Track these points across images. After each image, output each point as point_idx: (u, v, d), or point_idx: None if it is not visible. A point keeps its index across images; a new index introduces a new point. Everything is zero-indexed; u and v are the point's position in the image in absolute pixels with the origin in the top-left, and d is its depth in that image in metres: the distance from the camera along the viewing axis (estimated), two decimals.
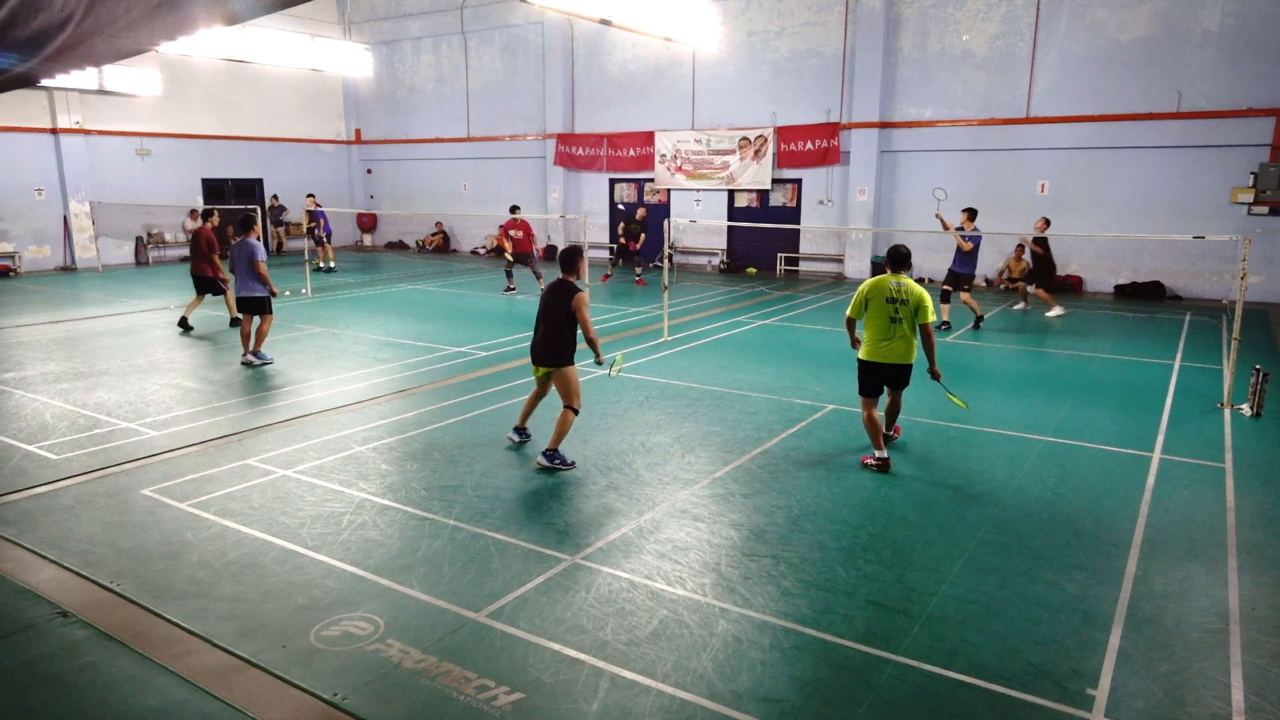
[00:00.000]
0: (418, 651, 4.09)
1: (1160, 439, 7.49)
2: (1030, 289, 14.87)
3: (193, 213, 23.39)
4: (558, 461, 6.64)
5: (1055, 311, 13.97)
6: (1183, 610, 4.52)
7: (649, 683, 3.85)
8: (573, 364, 6.71)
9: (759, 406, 8.46)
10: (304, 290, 16.50)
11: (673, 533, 5.48)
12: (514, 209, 16.57)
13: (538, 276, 16.61)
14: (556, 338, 6.62)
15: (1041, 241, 13.82)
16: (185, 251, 23.41)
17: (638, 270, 18.55)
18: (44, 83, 10.30)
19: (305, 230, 20.54)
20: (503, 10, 23.13)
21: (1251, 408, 8.23)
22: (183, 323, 12.72)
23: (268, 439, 7.42)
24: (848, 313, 6.81)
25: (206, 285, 12.66)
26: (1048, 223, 14.05)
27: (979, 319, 13.03)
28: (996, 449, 7.21)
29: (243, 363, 10.26)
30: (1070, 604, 4.57)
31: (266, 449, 7.13)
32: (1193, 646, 4.17)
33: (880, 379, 6.70)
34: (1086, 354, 11.15)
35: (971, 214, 12.78)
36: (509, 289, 17.01)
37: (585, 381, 9.40)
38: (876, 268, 14.76)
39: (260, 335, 10.37)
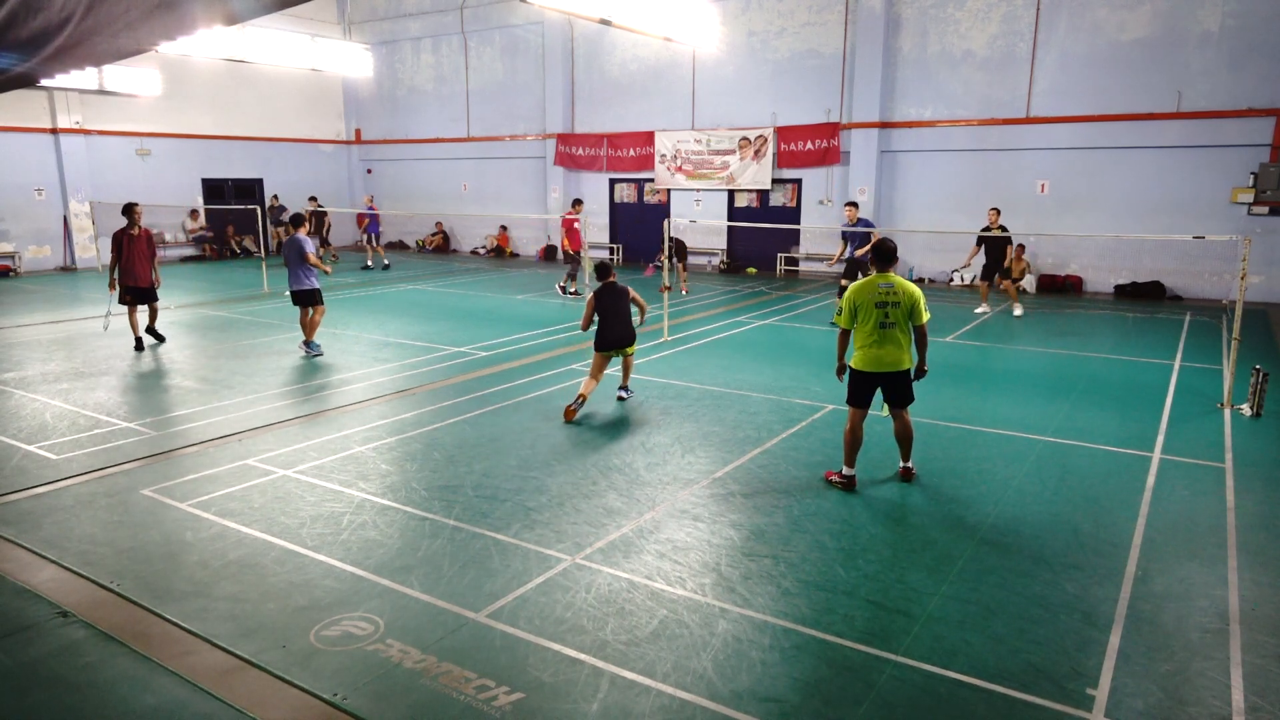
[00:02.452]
0: (418, 651, 4.09)
1: (1160, 439, 7.49)
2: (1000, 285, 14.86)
3: (193, 213, 23.41)
4: (631, 392, 8.73)
5: (982, 309, 14.57)
6: (1183, 610, 4.52)
7: (649, 683, 3.85)
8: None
9: (759, 406, 8.46)
10: None
11: (673, 533, 5.48)
12: (576, 202, 16.42)
13: (571, 278, 16.31)
14: (628, 325, 8.36)
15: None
16: (187, 251, 23.44)
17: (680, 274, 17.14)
18: (44, 83, 10.25)
19: (363, 232, 22.00)
20: (503, 10, 23.13)
21: (1251, 408, 8.23)
22: (153, 334, 11.42)
23: (268, 439, 7.42)
24: (840, 323, 6.26)
25: (139, 294, 11.08)
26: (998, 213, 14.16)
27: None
28: (996, 449, 7.21)
29: (302, 349, 10.82)
30: (1070, 604, 4.57)
31: (266, 449, 7.13)
32: (1193, 646, 4.17)
33: (873, 388, 6.19)
34: (1086, 354, 11.15)
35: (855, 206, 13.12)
36: (571, 292, 16.25)
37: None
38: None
39: (313, 325, 10.81)
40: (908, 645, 4.16)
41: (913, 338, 6.21)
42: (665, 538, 5.40)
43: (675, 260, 16.42)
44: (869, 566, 5.01)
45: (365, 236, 21.59)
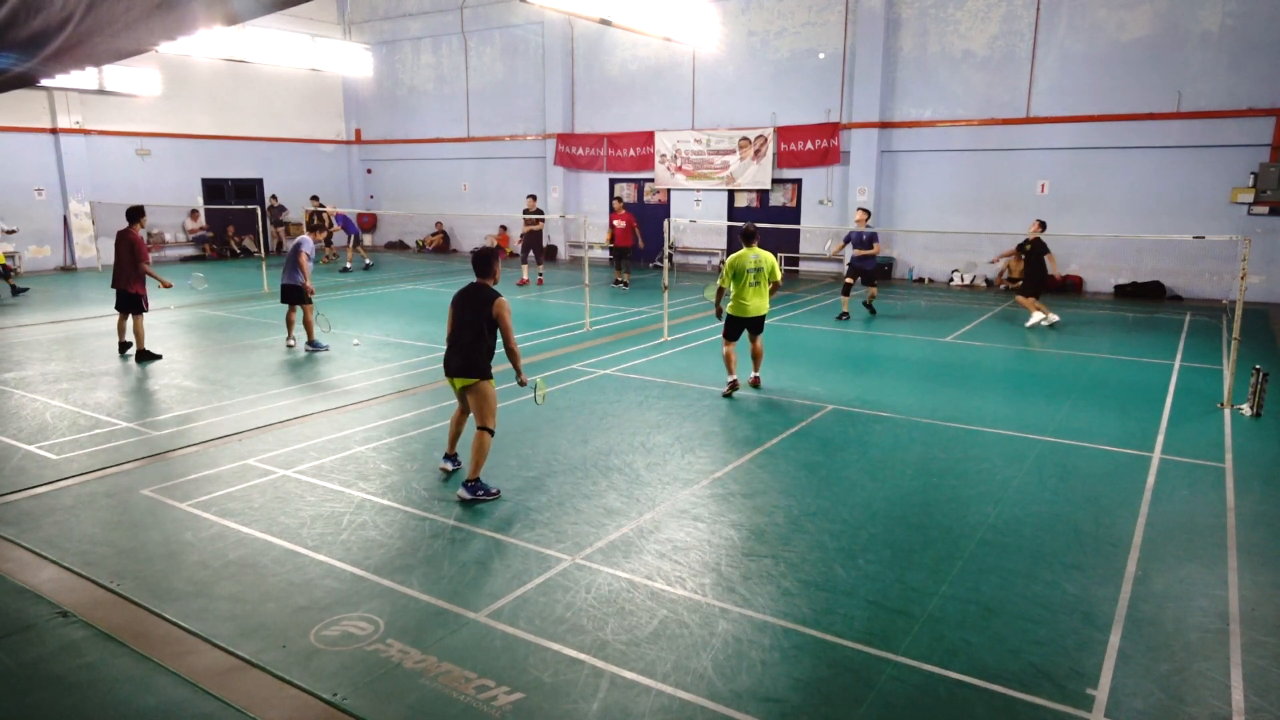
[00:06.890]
0: (418, 651, 4.09)
1: (1160, 439, 7.49)
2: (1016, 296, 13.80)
3: (193, 213, 23.40)
4: (480, 493, 5.94)
5: (1034, 319, 13.05)
6: (1183, 610, 4.52)
7: (649, 683, 3.85)
8: (491, 378, 6.04)
9: (759, 406, 8.45)
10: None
11: (673, 533, 5.48)
12: (617, 199, 17.63)
13: (623, 272, 17.78)
14: (475, 348, 5.93)
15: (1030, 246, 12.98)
16: (187, 251, 23.42)
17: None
18: (44, 83, 10.14)
19: (324, 237, 21.80)
20: (503, 10, 23.13)
21: (1251, 408, 8.23)
22: (132, 349, 10.59)
23: (268, 439, 7.42)
24: (719, 283, 8.75)
25: (127, 302, 10.35)
26: (1042, 225, 13.13)
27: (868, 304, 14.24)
28: (996, 449, 7.21)
29: (288, 345, 11.29)
30: (1070, 604, 4.57)
31: (266, 449, 7.13)
32: (1193, 646, 4.17)
33: (742, 328, 8.79)
34: (1086, 354, 11.15)
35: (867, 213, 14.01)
36: (617, 281, 17.93)
37: (581, 383, 9.41)
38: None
39: (307, 325, 11.09)
40: (908, 645, 4.16)
41: (769, 289, 8.73)
42: (665, 538, 5.40)
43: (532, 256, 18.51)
44: (869, 566, 5.01)
45: (352, 238, 21.60)
